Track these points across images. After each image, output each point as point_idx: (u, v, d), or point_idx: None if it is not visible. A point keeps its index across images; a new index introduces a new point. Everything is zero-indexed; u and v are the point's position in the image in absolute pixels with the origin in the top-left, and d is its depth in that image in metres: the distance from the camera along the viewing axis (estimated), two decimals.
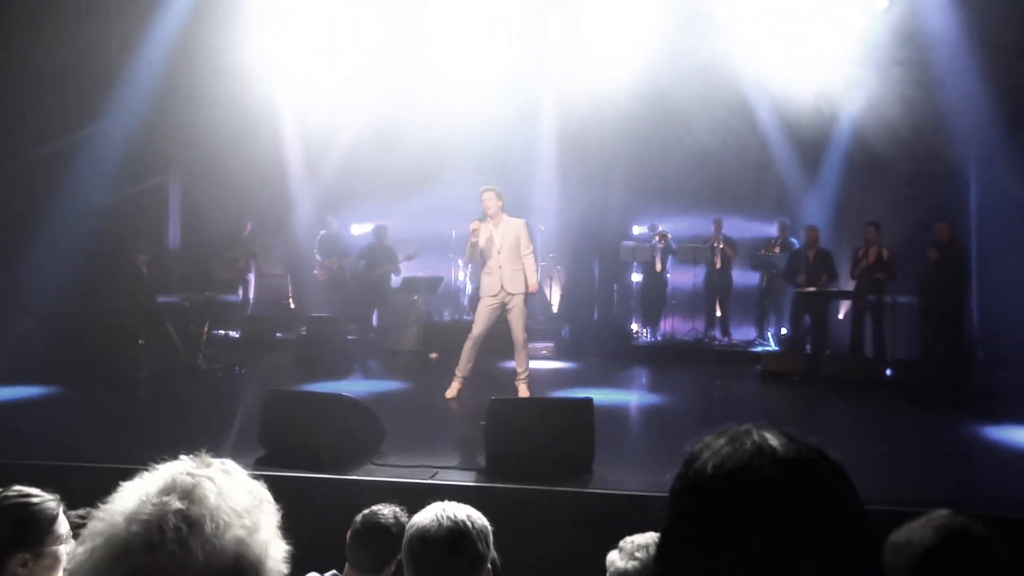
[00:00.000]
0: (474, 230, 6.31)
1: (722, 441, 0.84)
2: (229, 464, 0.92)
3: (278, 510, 0.93)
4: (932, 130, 9.41)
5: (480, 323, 6.49)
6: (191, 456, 0.92)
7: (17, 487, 1.94)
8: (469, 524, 1.79)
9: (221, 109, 11.38)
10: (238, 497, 0.88)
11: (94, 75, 9.43)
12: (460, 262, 10.66)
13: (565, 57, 11.25)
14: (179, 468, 0.89)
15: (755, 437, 0.84)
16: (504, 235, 6.41)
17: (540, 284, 11.15)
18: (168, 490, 0.85)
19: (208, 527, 0.83)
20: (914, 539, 1.55)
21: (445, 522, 1.79)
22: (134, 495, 0.86)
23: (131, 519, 0.83)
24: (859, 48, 10.22)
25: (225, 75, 11.33)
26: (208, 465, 0.90)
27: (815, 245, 9.01)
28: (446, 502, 1.88)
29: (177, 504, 0.83)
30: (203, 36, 10.14)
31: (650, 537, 2.04)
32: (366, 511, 2.65)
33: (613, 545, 2.15)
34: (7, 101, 8.48)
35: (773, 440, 0.83)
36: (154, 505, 0.83)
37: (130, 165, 9.51)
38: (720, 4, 10.55)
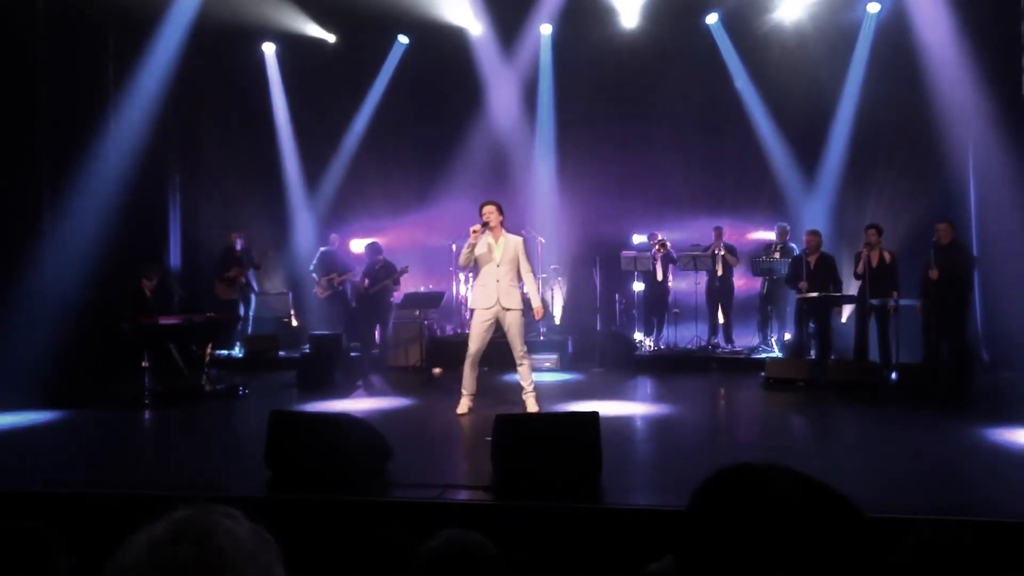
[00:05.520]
0: (474, 231, 6.28)
1: (733, 478, 0.84)
2: (230, 510, 0.91)
3: (282, 551, 0.92)
4: (929, 131, 9.43)
5: (476, 339, 6.44)
6: (192, 506, 0.90)
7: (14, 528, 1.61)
8: (478, 552, 1.77)
9: (221, 126, 11.45)
10: (247, 540, 0.87)
11: (95, 98, 9.50)
12: (452, 269, 10.59)
13: (560, 64, 11.31)
14: (186, 515, 0.88)
15: (768, 477, 0.83)
16: (504, 249, 6.41)
17: (542, 296, 11.20)
18: (179, 537, 0.84)
19: (222, 573, 0.82)
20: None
21: (453, 550, 1.76)
22: (144, 544, 0.84)
23: (143, 570, 0.82)
24: (854, 50, 10.28)
25: (225, 93, 11.40)
26: (211, 512, 0.89)
27: (816, 250, 8.97)
28: (455, 529, 1.86)
29: (189, 551, 0.82)
30: (203, 54, 10.19)
31: None
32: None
33: (623, 559, 2.12)
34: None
35: (785, 480, 0.83)
36: (166, 554, 0.82)
37: (131, 187, 9.54)
38: (714, 9, 10.61)
